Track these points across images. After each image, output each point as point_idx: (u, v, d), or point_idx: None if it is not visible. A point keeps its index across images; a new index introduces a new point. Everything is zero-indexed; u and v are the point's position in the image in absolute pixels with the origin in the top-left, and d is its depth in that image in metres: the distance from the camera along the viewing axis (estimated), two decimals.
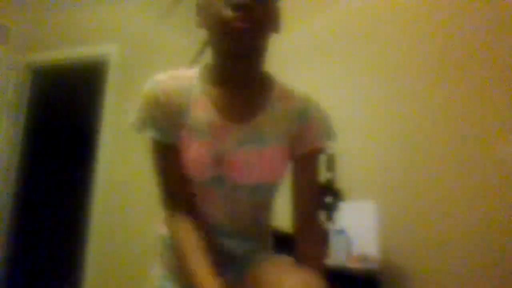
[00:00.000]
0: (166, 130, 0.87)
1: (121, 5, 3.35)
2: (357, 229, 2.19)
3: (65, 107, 4.49)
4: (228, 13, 0.79)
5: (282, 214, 1.03)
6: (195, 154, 0.86)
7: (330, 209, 2.09)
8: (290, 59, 2.72)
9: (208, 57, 0.94)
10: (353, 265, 2.01)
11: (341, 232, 2.12)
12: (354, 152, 2.40)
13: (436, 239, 2.22)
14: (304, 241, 0.93)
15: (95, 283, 2.89)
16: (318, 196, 0.94)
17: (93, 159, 3.13)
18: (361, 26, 2.65)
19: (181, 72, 0.95)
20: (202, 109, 0.88)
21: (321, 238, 0.96)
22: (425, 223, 2.25)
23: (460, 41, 2.41)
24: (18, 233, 3.46)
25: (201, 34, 0.92)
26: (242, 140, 0.87)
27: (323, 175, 2.19)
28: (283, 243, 1.06)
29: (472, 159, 2.25)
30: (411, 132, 2.39)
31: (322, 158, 0.99)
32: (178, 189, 0.89)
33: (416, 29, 2.53)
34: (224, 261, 0.90)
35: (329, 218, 2.13)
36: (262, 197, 0.92)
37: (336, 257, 2.05)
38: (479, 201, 2.19)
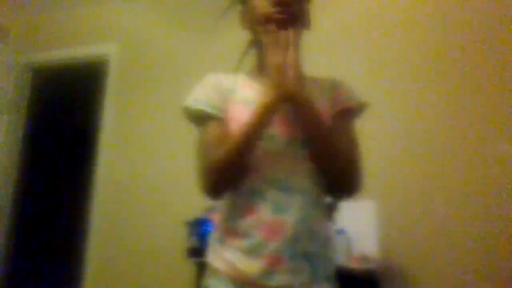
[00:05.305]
0: (216, 105, 0.99)
1: (121, 5, 3.35)
2: (357, 229, 2.19)
3: (65, 107, 4.49)
4: (269, 9, 0.98)
5: None
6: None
7: (330, 209, 2.09)
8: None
9: (250, 63, 1.09)
10: (353, 265, 2.01)
11: (341, 232, 2.12)
12: None
13: (436, 239, 2.22)
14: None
15: (95, 283, 2.90)
16: (359, 154, 1.00)
17: (93, 159, 3.14)
18: (361, 27, 2.65)
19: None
20: (249, 88, 1.03)
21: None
22: (425, 223, 2.25)
23: (460, 41, 2.41)
24: (18, 232, 3.47)
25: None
26: None
27: None
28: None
29: (473, 159, 2.25)
30: (411, 132, 2.39)
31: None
32: None
33: (413, 30, 2.53)
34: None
35: (329, 218, 2.13)
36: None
37: (336, 257, 2.05)
38: (480, 201, 2.19)
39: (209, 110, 0.98)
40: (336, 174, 0.95)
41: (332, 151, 0.94)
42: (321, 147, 0.94)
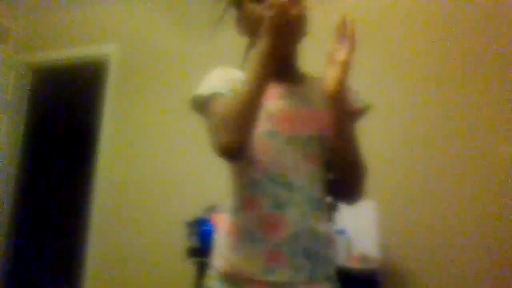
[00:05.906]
0: (229, 88, 0.98)
1: (121, 5, 3.35)
2: (357, 229, 2.18)
3: (65, 107, 4.49)
4: (264, 14, 0.93)
5: None
6: None
7: (330, 209, 2.09)
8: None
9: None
10: (353, 265, 2.01)
11: (341, 232, 2.12)
12: None
13: (436, 239, 2.22)
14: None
15: (95, 283, 2.90)
16: (360, 155, 1.00)
17: (93, 159, 3.14)
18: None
19: None
20: None
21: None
22: (425, 223, 2.26)
23: (461, 41, 2.41)
24: (18, 232, 3.47)
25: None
26: (291, 99, 1.00)
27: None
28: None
29: (473, 159, 2.25)
30: (411, 132, 2.39)
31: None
32: None
33: (413, 31, 2.53)
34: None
35: (329, 218, 2.13)
36: (314, 149, 0.99)
37: (336, 257, 2.05)
38: (480, 201, 2.19)
39: (223, 91, 0.96)
40: (345, 176, 0.97)
41: (353, 153, 0.96)
42: (347, 147, 0.95)
